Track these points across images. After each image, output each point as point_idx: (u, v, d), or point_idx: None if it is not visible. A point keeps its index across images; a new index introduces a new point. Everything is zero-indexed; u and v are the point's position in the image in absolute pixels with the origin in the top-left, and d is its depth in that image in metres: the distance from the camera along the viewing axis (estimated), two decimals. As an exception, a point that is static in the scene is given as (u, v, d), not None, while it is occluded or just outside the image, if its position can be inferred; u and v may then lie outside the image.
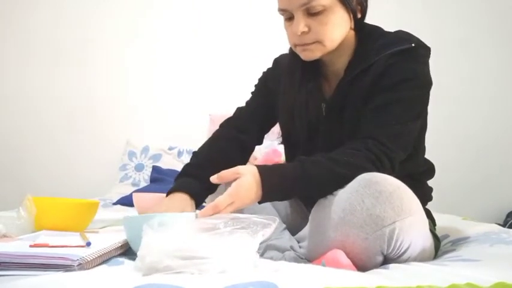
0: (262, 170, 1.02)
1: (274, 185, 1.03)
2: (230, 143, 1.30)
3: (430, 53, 1.16)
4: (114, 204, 2.22)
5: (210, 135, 3.05)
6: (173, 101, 2.98)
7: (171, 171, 2.65)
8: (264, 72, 1.39)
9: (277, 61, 1.38)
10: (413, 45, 1.12)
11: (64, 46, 2.98)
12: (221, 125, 1.38)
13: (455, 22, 2.95)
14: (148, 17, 3.01)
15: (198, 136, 2.86)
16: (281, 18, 1.18)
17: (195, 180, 1.21)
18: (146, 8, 3.01)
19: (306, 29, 1.10)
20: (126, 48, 3.01)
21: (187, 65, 2.99)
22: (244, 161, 1.32)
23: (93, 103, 2.98)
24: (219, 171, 1.04)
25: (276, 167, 1.07)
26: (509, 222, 2.65)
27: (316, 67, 1.21)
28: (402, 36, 1.15)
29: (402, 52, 1.12)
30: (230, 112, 3.11)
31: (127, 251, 1.10)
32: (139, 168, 2.81)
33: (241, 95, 2.92)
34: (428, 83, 1.15)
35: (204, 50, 2.99)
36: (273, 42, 2.87)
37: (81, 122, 2.96)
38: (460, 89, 2.86)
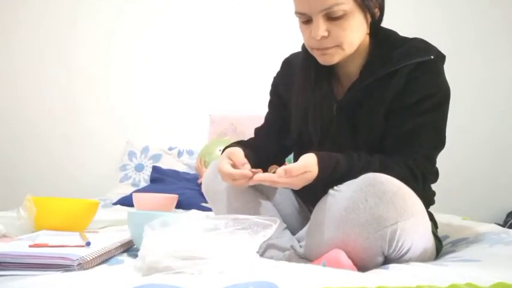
0: (322, 165, 1.06)
1: (325, 179, 1.07)
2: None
3: (445, 61, 1.17)
4: (114, 204, 2.22)
5: (210, 135, 3.05)
6: (173, 101, 2.99)
7: (171, 171, 2.65)
8: (274, 78, 1.38)
9: (287, 61, 1.36)
10: (432, 57, 1.13)
11: (67, 43, 2.99)
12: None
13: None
14: (149, 17, 3.01)
15: (198, 136, 2.87)
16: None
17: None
18: (148, 9, 3.01)
19: (325, 34, 1.09)
20: (126, 48, 3.01)
21: (187, 65, 2.99)
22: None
23: (93, 103, 2.98)
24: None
25: (334, 163, 1.08)
26: (509, 222, 2.65)
27: (329, 67, 1.21)
28: (421, 46, 1.16)
29: (423, 64, 1.12)
30: (230, 112, 3.10)
31: (129, 248, 1.10)
32: (139, 168, 2.81)
33: (241, 95, 2.95)
34: (449, 93, 1.16)
35: (204, 50, 2.99)
36: (273, 42, 2.88)
37: (81, 122, 2.96)
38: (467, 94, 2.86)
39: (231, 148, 1.20)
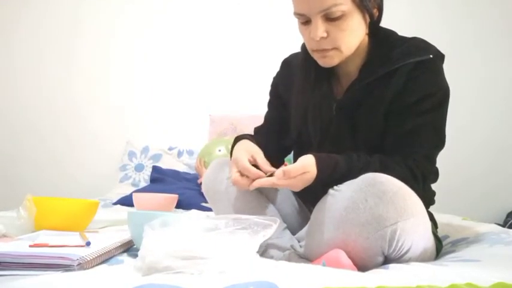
0: (321, 166, 1.06)
1: (325, 179, 1.07)
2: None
3: (444, 60, 1.17)
4: (114, 204, 2.22)
5: (210, 135, 3.05)
6: (173, 101, 2.99)
7: (171, 171, 2.65)
8: (273, 78, 1.38)
9: (287, 62, 1.36)
10: (431, 56, 1.13)
11: (67, 43, 2.99)
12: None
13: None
14: (149, 17, 3.01)
15: (198, 136, 2.87)
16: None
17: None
18: (148, 9, 3.01)
19: (324, 35, 1.09)
20: (126, 48, 3.01)
21: (187, 65, 2.99)
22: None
23: (94, 103, 2.98)
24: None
25: (333, 164, 1.08)
26: (509, 222, 2.65)
27: (329, 67, 1.20)
28: (420, 45, 1.16)
29: (422, 64, 1.12)
30: (230, 112, 3.10)
31: (129, 248, 1.10)
32: (139, 168, 2.81)
33: (241, 95, 2.96)
34: (448, 92, 1.16)
35: (204, 50, 2.99)
36: (273, 42, 2.88)
37: (81, 122, 2.97)
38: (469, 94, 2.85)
39: (254, 147, 1.20)
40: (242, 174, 1.12)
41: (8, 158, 2.96)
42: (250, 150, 1.18)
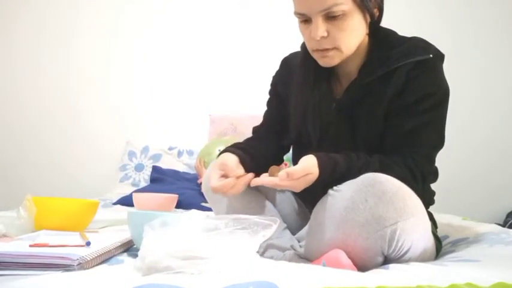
0: (322, 167, 1.06)
1: (325, 180, 1.07)
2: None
3: (444, 60, 1.17)
4: (114, 204, 2.22)
5: (210, 135, 3.04)
6: (173, 101, 2.99)
7: (171, 171, 2.66)
8: (273, 77, 1.38)
9: (286, 61, 1.36)
10: (431, 56, 1.13)
11: (67, 43, 2.99)
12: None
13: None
14: (149, 17, 3.01)
15: (198, 136, 2.88)
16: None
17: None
18: (148, 9, 3.01)
19: (325, 34, 1.09)
20: (126, 48, 3.01)
21: (187, 65, 2.99)
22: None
23: (93, 103, 2.98)
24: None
25: (333, 164, 1.07)
26: (509, 222, 2.65)
27: (329, 67, 1.20)
28: (420, 45, 1.15)
29: (422, 63, 1.12)
30: (230, 112, 3.10)
31: (129, 248, 1.10)
32: (139, 168, 2.81)
33: (241, 95, 2.96)
34: (448, 92, 1.16)
35: (204, 50, 2.99)
36: (272, 42, 2.88)
37: (81, 122, 2.97)
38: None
39: (225, 157, 1.19)
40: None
41: (8, 158, 2.96)
42: (221, 164, 1.16)
